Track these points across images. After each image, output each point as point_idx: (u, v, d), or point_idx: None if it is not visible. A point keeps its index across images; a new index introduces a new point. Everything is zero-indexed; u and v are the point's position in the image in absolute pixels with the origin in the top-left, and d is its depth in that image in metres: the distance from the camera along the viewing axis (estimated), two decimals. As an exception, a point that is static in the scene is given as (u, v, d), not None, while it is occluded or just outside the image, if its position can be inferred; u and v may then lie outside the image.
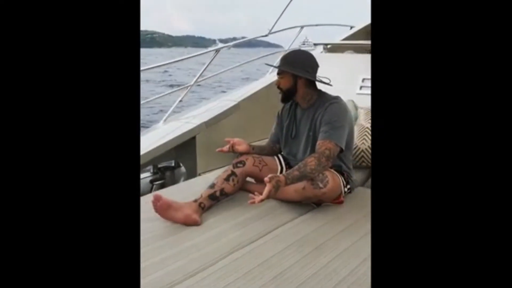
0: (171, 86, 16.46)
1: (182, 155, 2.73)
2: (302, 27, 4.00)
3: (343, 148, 1.56)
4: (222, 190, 1.57)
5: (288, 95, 1.71)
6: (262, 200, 1.33)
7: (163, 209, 1.41)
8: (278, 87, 1.71)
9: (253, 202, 1.34)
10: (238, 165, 1.64)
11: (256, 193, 1.37)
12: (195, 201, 1.49)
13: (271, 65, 2.02)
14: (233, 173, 1.61)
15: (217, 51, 2.96)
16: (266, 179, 1.35)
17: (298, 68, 1.64)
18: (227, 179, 1.59)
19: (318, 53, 3.85)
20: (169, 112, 2.90)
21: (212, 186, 1.57)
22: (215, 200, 1.55)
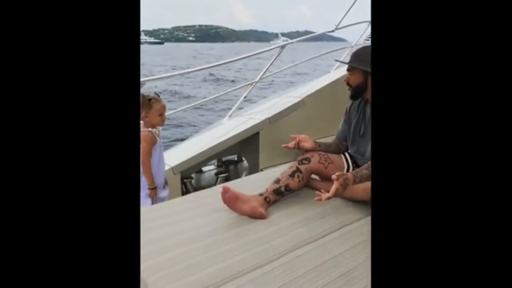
0: (217, 80, 16.59)
1: (246, 150, 2.80)
2: (370, 22, 3.86)
3: None
4: (287, 186, 1.57)
5: (358, 92, 1.67)
6: (329, 198, 1.31)
7: (231, 200, 1.45)
8: (348, 84, 1.67)
9: (320, 199, 1.33)
10: (304, 161, 1.63)
11: (322, 190, 1.35)
12: (261, 195, 1.52)
13: (342, 62, 1.96)
14: (298, 170, 1.61)
15: (282, 47, 2.97)
16: (334, 176, 1.32)
17: (370, 65, 1.59)
18: (292, 175, 1.59)
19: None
20: (234, 107, 2.98)
21: (277, 181, 1.58)
22: (280, 195, 1.56)
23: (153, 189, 1.94)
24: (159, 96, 1.95)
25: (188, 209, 1.54)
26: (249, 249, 1.22)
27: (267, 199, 1.51)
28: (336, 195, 1.33)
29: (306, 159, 1.64)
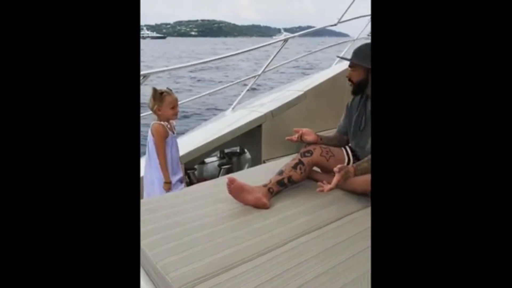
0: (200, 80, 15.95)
1: (248, 142, 2.84)
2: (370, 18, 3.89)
3: None
4: (290, 178, 1.63)
5: (359, 88, 1.73)
6: (330, 189, 1.37)
7: (236, 191, 1.51)
8: (350, 80, 1.73)
9: (322, 190, 1.38)
10: (306, 154, 1.69)
11: (324, 181, 1.41)
12: (265, 186, 1.57)
13: (344, 58, 1.98)
14: (300, 162, 1.67)
15: (285, 41, 3.00)
16: (336, 169, 1.38)
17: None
18: (294, 167, 1.65)
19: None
20: (237, 100, 3.02)
21: (281, 173, 1.64)
22: (283, 186, 1.62)
23: (168, 183, 1.96)
24: (171, 90, 1.98)
25: (193, 199, 1.60)
26: (253, 237, 1.27)
27: (271, 190, 1.57)
28: (337, 186, 1.39)
29: (308, 152, 1.70)
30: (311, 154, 1.69)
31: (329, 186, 1.37)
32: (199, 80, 15.19)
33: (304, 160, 1.67)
